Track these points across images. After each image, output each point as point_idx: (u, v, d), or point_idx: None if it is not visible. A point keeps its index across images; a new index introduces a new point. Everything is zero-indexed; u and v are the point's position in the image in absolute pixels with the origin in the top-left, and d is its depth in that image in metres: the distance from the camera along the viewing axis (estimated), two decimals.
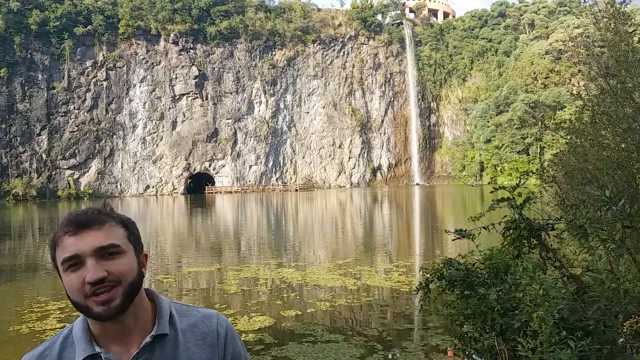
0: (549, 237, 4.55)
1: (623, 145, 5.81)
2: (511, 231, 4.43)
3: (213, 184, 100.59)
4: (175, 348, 1.66)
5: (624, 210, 3.78)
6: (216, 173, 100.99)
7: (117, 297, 1.54)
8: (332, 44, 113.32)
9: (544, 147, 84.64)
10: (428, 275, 4.61)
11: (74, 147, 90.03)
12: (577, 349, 3.06)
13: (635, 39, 6.13)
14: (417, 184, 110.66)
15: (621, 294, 3.39)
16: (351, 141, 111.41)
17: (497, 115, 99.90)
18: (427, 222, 31.50)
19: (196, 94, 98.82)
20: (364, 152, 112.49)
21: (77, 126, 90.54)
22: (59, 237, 1.59)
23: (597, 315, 3.40)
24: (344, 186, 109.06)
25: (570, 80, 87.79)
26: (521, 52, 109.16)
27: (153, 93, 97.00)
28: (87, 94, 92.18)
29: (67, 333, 1.67)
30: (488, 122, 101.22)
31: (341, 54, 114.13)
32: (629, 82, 5.73)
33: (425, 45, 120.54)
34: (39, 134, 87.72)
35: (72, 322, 1.72)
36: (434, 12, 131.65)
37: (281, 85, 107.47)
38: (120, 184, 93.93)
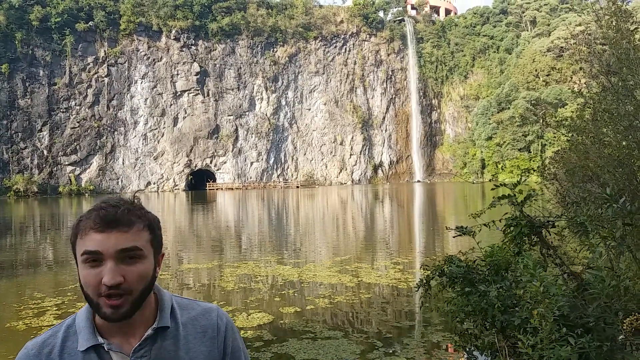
0: (550, 235, 4.55)
1: (624, 143, 5.81)
2: (512, 228, 4.43)
3: (214, 180, 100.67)
4: (176, 340, 1.69)
5: (625, 208, 3.79)
6: (217, 170, 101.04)
7: (126, 304, 1.56)
8: (334, 41, 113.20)
9: (545, 145, 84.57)
10: (429, 272, 4.62)
11: (75, 144, 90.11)
12: (577, 345, 3.07)
13: (637, 36, 6.11)
14: (418, 181, 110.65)
15: (621, 292, 3.40)
16: (352, 138, 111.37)
17: (498, 112, 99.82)
18: (428, 219, 31.51)
19: (197, 90, 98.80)
20: (365, 149, 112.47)
21: (78, 122, 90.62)
22: (84, 227, 1.59)
23: (597, 313, 3.40)
24: (345, 183, 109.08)
25: (572, 77, 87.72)
26: (523, 50, 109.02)
27: (154, 89, 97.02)
28: (88, 90, 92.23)
29: (70, 322, 1.69)
30: (489, 119, 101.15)
31: (343, 50, 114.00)
32: (630, 79, 5.73)
33: (427, 42, 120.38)
34: (40, 130, 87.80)
35: (74, 313, 1.73)
36: (435, 9, 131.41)
37: (282, 82, 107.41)
38: (122, 180, 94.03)
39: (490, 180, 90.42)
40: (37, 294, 12.21)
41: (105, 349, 1.60)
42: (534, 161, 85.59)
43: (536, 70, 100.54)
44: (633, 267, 4.32)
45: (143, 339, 1.64)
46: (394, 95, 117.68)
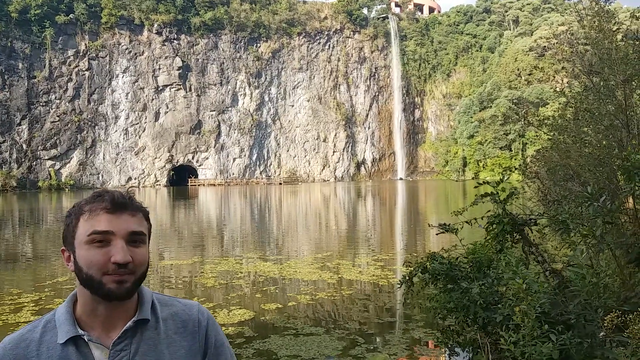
0: (532, 232, 4.59)
1: (604, 142, 5.87)
2: (494, 226, 4.46)
3: (196, 176, 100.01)
4: (156, 334, 1.71)
5: (605, 207, 3.83)
6: (199, 165, 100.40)
7: (130, 281, 1.62)
8: (318, 37, 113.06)
9: (526, 143, 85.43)
10: (412, 269, 4.63)
11: (55, 138, 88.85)
12: (558, 342, 3.10)
13: (619, 37, 6.18)
14: (401, 179, 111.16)
15: (601, 289, 3.43)
16: (335, 135, 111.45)
17: (480, 111, 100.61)
18: (410, 217, 31.65)
19: (179, 85, 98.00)
20: (348, 146, 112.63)
21: (58, 116, 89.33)
22: (92, 209, 1.65)
23: (577, 310, 3.44)
24: (328, 180, 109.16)
25: (554, 77, 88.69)
26: (505, 49, 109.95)
27: (136, 84, 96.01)
28: (68, 83, 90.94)
29: (50, 318, 1.69)
30: (471, 117, 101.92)
31: (326, 47, 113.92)
32: (611, 79, 5.79)
33: (411, 40, 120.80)
34: (19, 124, 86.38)
35: (53, 309, 1.71)
36: (419, 7, 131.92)
37: (266, 78, 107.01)
38: (102, 176, 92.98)
39: (473, 179, 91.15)
40: (15, 289, 12.02)
41: (85, 340, 1.61)
42: (515, 159, 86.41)
43: (518, 70, 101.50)
44: (612, 264, 4.38)
45: (123, 331, 1.65)
46: (377, 93, 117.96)
